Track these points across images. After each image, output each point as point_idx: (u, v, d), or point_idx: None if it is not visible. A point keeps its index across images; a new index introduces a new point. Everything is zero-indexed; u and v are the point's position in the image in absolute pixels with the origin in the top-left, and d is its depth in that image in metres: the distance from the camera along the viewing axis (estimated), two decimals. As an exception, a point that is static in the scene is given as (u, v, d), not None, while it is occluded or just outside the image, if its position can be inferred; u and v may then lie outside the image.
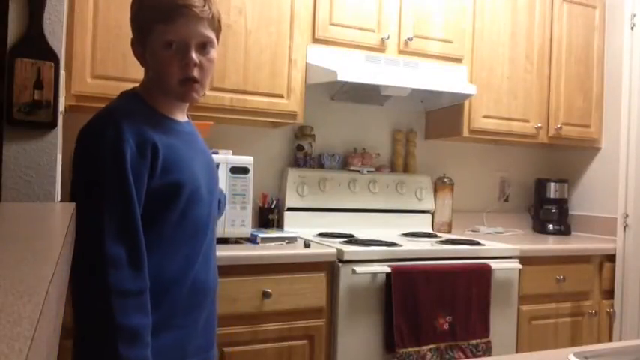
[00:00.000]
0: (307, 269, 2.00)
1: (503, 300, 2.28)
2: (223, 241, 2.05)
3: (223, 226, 2.06)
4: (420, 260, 2.14)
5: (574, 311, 2.54)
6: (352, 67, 2.36)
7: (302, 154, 2.64)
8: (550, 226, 3.09)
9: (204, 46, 1.21)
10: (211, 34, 1.22)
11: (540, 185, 3.17)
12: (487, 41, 2.74)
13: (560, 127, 2.90)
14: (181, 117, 1.31)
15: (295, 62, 2.33)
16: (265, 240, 2.12)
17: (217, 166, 1.97)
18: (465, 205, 3.08)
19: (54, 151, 1.84)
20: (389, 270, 2.03)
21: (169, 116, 1.26)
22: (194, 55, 1.19)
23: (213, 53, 1.24)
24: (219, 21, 1.26)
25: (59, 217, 1.06)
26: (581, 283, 2.57)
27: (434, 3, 2.60)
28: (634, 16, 2.67)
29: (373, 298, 2.05)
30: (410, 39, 2.53)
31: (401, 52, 2.54)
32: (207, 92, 2.17)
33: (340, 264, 2.02)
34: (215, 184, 1.37)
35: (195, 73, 1.20)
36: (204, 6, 1.19)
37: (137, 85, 1.30)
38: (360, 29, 2.46)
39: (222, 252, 1.81)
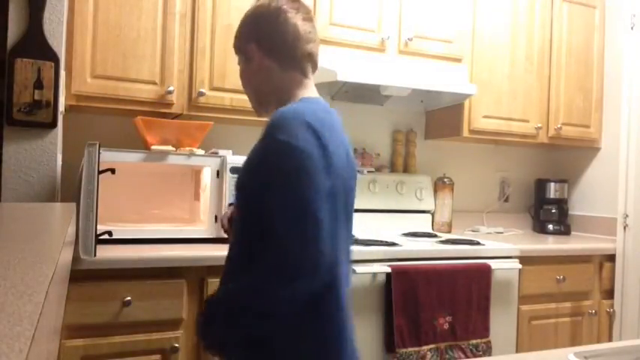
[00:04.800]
0: (307, 269, 2.00)
1: (503, 300, 2.28)
2: (222, 240, 2.05)
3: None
4: (420, 260, 2.14)
5: (574, 311, 2.54)
6: (352, 67, 2.36)
7: (302, 154, 2.64)
8: (550, 226, 3.09)
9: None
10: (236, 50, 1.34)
11: (540, 185, 3.17)
12: (487, 41, 2.74)
13: (560, 127, 2.90)
14: None
15: (295, 62, 2.33)
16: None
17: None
18: (465, 205, 3.08)
19: (54, 151, 1.85)
20: (389, 270, 2.03)
21: None
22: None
23: (242, 65, 1.33)
24: (237, 38, 1.35)
25: (59, 217, 1.06)
26: (581, 283, 2.57)
27: (434, 3, 2.60)
28: (634, 16, 2.67)
29: (373, 298, 2.05)
30: (410, 39, 2.53)
31: (401, 52, 2.54)
32: (207, 92, 2.18)
33: (340, 264, 2.02)
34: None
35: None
36: None
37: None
38: (360, 29, 2.46)
39: (221, 252, 1.80)
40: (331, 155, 1.12)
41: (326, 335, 1.14)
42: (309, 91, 1.28)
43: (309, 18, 1.29)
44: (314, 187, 1.07)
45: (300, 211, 1.05)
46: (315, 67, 1.31)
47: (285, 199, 1.06)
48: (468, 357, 2.11)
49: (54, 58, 1.82)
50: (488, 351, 2.17)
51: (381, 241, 2.25)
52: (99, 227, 1.68)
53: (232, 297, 1.09)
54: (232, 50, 1.49)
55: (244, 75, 1.33)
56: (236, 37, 1.34)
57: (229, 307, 1.09)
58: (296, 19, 1.25)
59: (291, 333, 1.12)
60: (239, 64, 1.34)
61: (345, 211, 1.20)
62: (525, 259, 2.36)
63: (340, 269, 1.15)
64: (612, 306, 2.62)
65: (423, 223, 2.84)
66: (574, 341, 2.52)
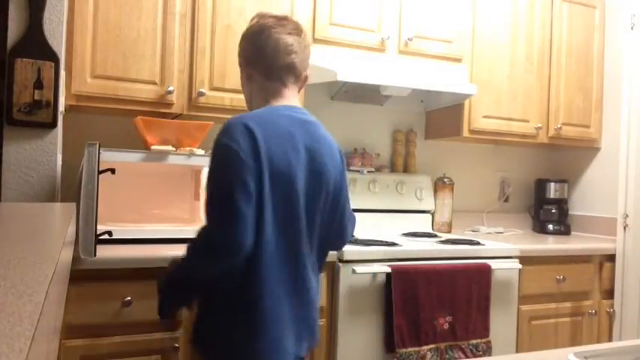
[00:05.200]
0: (307, 269, 2.00)
1: (503, 300, 2.28)
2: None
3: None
4: (420, 260, 2.14)
5: (574, 311, 2.54)
6: (352, 67, 2.36)
7: (302, 154, 2.64)
8: (550, 226, 3.09)
9: None
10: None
11: (540, 185, 3.17)
12: (487, 41, 2.74)
13: (560, 127, 2.90)
14: None
15: (295, 62, 2.33)
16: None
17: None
18: (465, 205, 3.08)
19: (54, 151, 1.85)
20: (389, 270, 2.03)
21: None
22: None
23: (241, 76, 1.53)
24: (238, 54, 1.52)
25: (59, 217, 1.06)
26: (581, 283, 2.57)
27: (434, 3, 2.60)
28: (634, 16, 2.67)
29: (373, 298, 2.05)
30: (410, 39, 2.53)
31: (401, 52, 2.54)
32: (207, 92, 2.18)
33: (340, 264, 2.02)
34: None
35: None
36: None
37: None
38: (360, 29, 2.46)
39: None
40: (264, 156, 1.28)
41: (247, 315, 1.32)
42: (285, 99, 1.44)
43: (296, 32, 1.44)
44: (241, 184, 1.25)
45: (226, 205, 1.25)
46: (297, 77, 1.46)
47: (216, 193, 1.28)
48: (467, 357, 2.11)
49: (54, 58, 1.82)
50: (488, 351, 2.17)
51: (381, 241, 2.25)
52: (99, 227, 1.68)
53: (178, 270, 1.38)
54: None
55: (241, 83, 1.54)
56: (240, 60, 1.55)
57: (176, 278, 1.39)
58: (279, 33, 1.42)
59: (224, 306, 1.34)
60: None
61: (286, 208, 1.33)
62: (525, 259, 2.36)
63: (264, 259, 1.30)
64: (612, 306, 2.62)
65: (423, 223, 2.84)
66: (574, 341, 2.52)
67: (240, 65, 1.51)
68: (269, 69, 1.43)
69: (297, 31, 1.45)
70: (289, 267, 1.35)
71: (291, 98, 1.46)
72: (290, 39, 1.42)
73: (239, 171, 1.25)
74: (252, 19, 1.49)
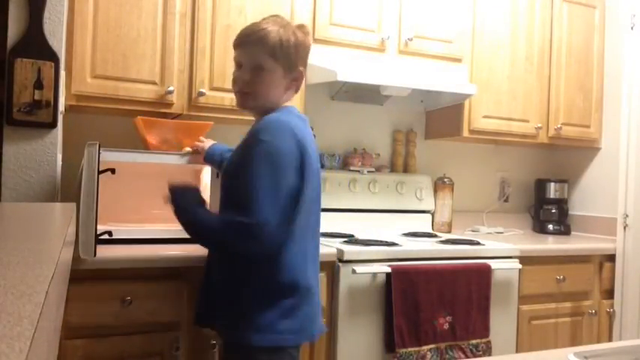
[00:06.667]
0: (307, 269, 1.99)
1: (503, 300, 2.28)
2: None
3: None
4: (420, 260, 2.14)
5: (574, 311, 2.54)
6: (352, 67, 2.36)
7: (302, 154, 2.64)
8: (550, 226, 3.09)
9: (255, 68, 1.50)
10: (263, 59, 1.49)
11: (540, 185, 3.17)
12: (487, 41, 2.74)
13: (560, 127, 2.90)
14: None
15: (295, 62, 2.33)
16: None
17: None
18: (465, 205, 3.08)
19: (54, 151, 1.85)
20: (389, 270, 2.03)
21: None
22: (237, 73, 1.54)
23: (263, 75, 1.50)
24: (280, 47, 1.49)
25: (59, 217, 1.06)
26: (581, 283, 2.57)
27: (434, 3, 2.60)
28: (634, 16, 2.67)
29: (373, 298, 2.05)
30: (410, 39, 2.53)
31: (401, 52, 2.54)
32: (207, 92, 2.18)
33: (340, 264, 2.02)
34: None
35: (238, 87, 1.54)
36: (259, 33, 1.50)
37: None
38: (360, 29, 2.46)
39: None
40: (307, 157, 1.46)
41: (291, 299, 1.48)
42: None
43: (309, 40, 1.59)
44: (290, 187, 1.42)
45: (281, 204, 1.40)
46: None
47: (271, 187, 1.40)
48: (467, 357, 2.11)
49: (54, 58, 1.82)
50: (488, 351, 2.17)
51: (381, 241, 2.25)
52: (99, 227, 1.68)
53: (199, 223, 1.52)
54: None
55: (255, 80, 1.51)
56: (255, 46, 1.51)
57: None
58: (307, 41, 1.55)
59: (260, 292, 1.49)
60: (246, 67, 1.52)
61: (316, 208, 1.58)
62: (525, 259, 2.36)
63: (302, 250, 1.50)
64: (612, 306, 2.62)
65: (423, 223, 2.84)
66: (574, 341, 2.52)
67: (263, 63, 1.50)
68: (300, 79, 1.57)
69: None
70: (315, 259, 1.57)
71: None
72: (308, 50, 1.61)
73: (289, 173, 1.41)
74: (300, 27, 1.56)
